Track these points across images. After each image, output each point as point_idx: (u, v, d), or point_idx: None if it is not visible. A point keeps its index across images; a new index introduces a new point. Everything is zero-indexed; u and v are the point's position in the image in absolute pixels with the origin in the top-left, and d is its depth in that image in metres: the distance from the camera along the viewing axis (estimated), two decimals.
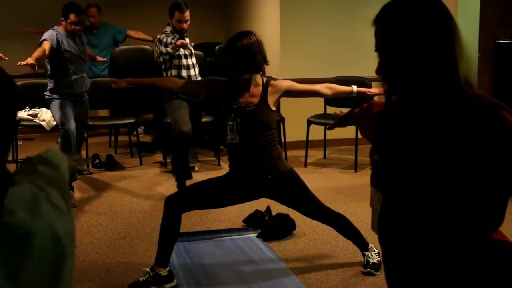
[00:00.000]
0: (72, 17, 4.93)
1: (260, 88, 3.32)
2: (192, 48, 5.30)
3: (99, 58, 5.89)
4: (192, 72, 5.25)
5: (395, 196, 1.54)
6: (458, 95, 1.43)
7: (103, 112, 6.95)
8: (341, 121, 2.27)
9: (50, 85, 5.07)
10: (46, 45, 4.78)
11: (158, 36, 5.20)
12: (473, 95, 1.43)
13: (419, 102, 1.49)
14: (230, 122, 3.27)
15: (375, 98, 5.43)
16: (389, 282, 1.66)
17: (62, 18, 4.98)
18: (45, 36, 4.89)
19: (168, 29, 5.19)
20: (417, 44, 1.43)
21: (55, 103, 5.01)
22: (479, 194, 1.40)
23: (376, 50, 1.51)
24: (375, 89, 3.78)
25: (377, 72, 1.51)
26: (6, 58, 4.90)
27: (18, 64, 4.44)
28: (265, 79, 3.36)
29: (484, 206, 1.42)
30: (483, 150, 1.37)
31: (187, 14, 5.12)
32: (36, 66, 4.55)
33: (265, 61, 3.28)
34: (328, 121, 5.88)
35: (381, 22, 1.49)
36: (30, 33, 6.72)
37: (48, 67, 5.06)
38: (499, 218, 1.45)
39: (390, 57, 1.47)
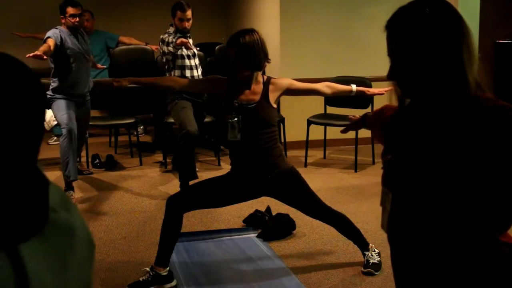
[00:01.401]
0: (69, 10, 4.96)
1: (261, 85, 3.32)
2: (195, 49, 5.31)
3: (100, 66, 5.90)
4: (195, 73, 5.26)
5: (406, 196, 1.55)
6: (469, 98, 1.45)
7: (103, 112, 6.95)
8: (355, 125, 2.28)
9: (53, 84, 5.06)
10: (51, 42, 4.80)
11: (161, 36, 5.21)
12: (485, 99, 1.45)
13: (431, 105, 1.50)
14: (231, 120, 3.27)
15: (377, 99, 5.42)
16: (398, 282, 1.68)
17: (62, 16, 5.00)
18: (48, 34, 4.90)
19: (171, 29, 5.20)
20: (426, 49, 1.44)
21: (58, 103, 5.00)
22: (489, 197, 1.42)
23: (388, 55, 1.51)
24: (374, 89, 3.81)
25: (388, 76, 1.52)
26: None
27: (26, 56, 4.45)
28: (265, 77, 3.37)
29: (494, 209, 1.43)
30: (494, 153, 1.39)
31: (189, 12, 5.13)
32: (44, 56, 4.55)
33: (266, 58, 3.28)
34: (328, 121, 5.90)
35: (393, 27, 1.49)
36: (21, 37, 6.72)
37: (52, 65, 5.06)
38: (508, 221, 1.46)
39: (402, 61, 1.48)
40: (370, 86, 5.69)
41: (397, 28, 1.48)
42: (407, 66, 1.47)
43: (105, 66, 6.26)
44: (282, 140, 6.04)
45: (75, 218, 1.04)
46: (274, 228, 4.13)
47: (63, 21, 5.01)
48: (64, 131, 4.88)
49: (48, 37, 4.85)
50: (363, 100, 5.65)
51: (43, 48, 4.65)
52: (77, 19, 5.00)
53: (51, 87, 5.09)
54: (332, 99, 5.95)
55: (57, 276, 0.97)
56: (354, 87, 3.65)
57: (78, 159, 5.59)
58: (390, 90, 3.76)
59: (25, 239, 0.94)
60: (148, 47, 7.12)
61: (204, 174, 5.20)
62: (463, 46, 1.44)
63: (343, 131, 2.37)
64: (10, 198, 0.94)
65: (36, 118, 1.00)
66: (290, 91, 3.42)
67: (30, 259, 0.93)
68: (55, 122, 5.43)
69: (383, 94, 3.67)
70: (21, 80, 0.98)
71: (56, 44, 4.84)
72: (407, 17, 1.47)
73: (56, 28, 4.98)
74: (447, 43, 1.43)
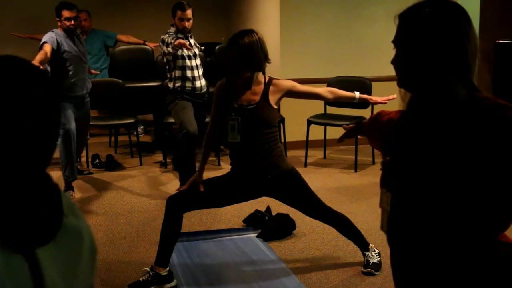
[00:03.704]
0: (65, 13, 4.96)
1: (262, 86, 3.32)
2: (196, 50, 5.29)
3: (93, 71, 5.89)
4: (196, 73, 5.24)
5: (405, 197, 1.55)
6: (469, 98, 1.46)
7: (103, 112, 6.94)
8: (350, 133, 2.29)
9: None
10: (48, 48, 4.79)
11: (162, 37, 5.20)
12: (483, 98, 1.46)
13: (430, 101, 1.52)
14: (231, 121, 3.27)
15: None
16: (397, 282, 1.68)
17: (57, 19, 5.00)
18: (44, 38, 4.89)
19: (172, 29, 5.19)
20: (432, 46, 1.47)
21: None
22: (488, 196, 1.42)
23: (393, 42, 1.55)
24: (377, 97, 3.62)
25: (392, 62, 1.56)
26: None
27: None
28: (267, 78, 3.35)
29: (493, 209, 1.43)
30: (493, 152, 1.40)
31: (188, 12, 5.12)
32: (42, 67, 4.55)
33: (266, 59, 3.28)
34: (328, 121, 5.90)
35: (404, 17, 1.53)
36: (20, 38, 6.71)
37: (49, 69, 5.06)
38: (507, 221, 1.47)
39: (405, 50, 1.52)
40: (370, 86, 5.71)
41: (407, 18, 1.52)
42: (411, 54, 1.50)
43: (98, 72, 6.26)
44: (282, 140, 6.03)
45: (82, 224, 1.06)
46: (274, 228, 4.13)
47: (59, 23, 5.01)
48: (61, 131, 4.88)
49: (45, 42, 4.84)
50: (364, 104, 5.63)
51: (39, 57, 4.65)
52: (73, 21, 5.00)
53: None
54: None
55: (68, 281, 0.98)
56: (357, 94, 3.55)
57: (78, 159, 5.59)
58: (393, 98, 3.73)
59: (42, 244, 0.94)
60: (147, 45, 7.10)
61: (204, 174, 5.18)
62: (467, 47, 1.47)
63: (339, 141, 2.38)
64: (27, 203, 0.94)
65: (50, 122, 1.00)
66: (291, 94, 3.40)
67: (46, 264, 0.94)
68: None
69: (386, 103, 3.49)
70: (33, 83, 0.97)
71: (52, 49, 4.83)
72: (418, 10, 1.51)
73: (52, 32, 4.98)
74: (452, 36, 1.46)
